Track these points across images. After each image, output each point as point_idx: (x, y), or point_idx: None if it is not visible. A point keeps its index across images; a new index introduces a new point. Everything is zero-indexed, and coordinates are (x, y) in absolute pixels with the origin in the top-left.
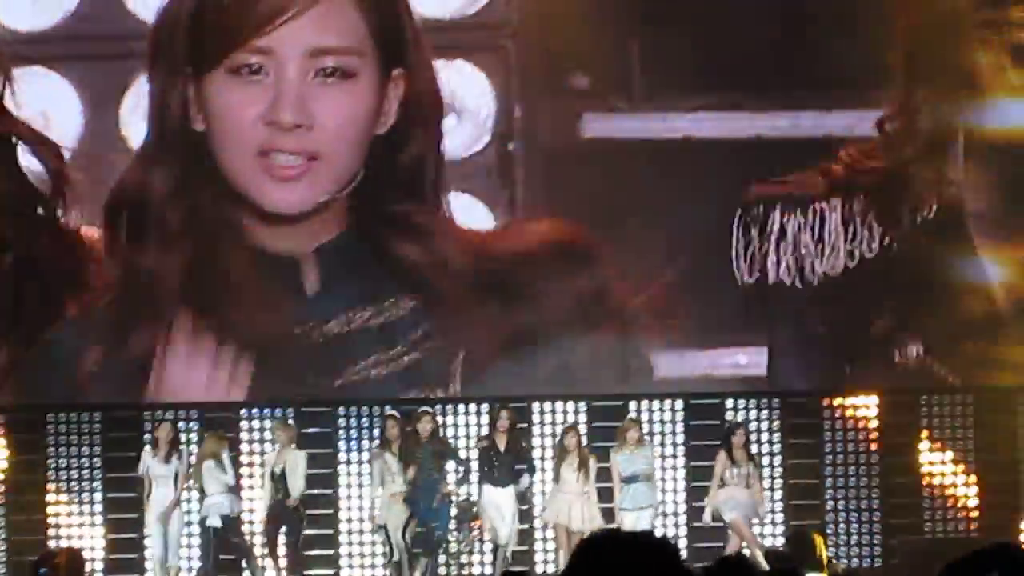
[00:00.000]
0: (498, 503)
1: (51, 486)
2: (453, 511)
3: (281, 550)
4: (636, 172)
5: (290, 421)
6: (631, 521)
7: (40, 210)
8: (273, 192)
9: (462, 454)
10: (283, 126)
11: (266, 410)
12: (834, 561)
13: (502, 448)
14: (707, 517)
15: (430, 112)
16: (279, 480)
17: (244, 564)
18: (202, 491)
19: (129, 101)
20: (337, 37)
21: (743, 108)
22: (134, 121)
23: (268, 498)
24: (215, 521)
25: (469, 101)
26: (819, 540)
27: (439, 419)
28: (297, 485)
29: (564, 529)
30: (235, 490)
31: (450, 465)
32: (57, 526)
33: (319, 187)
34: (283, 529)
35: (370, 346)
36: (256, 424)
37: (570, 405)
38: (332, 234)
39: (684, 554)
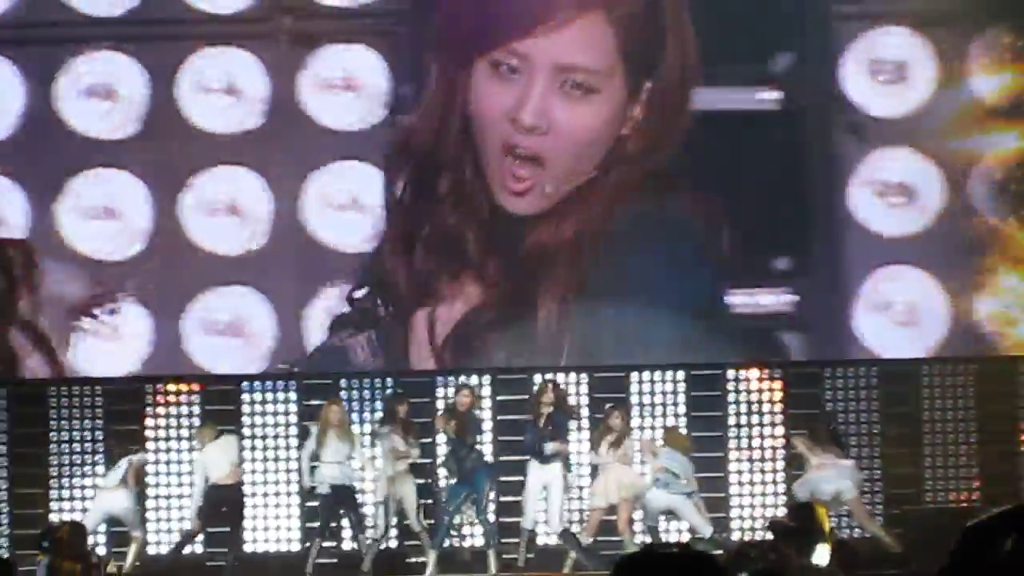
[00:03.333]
0: (544, 481)
1: (53, 459)
2: (488, 480)
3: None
4: None
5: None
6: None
7: None
8: (508, 199)
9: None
10: (522, 126)
11: (267, 383)
12: (835, 531)
13: (541, 424)
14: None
15: (672, 124)
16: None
17: (353, 531)
18: (316, 458)
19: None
20: (585, 56)
21: None
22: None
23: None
24: (325, 489)
25: (367, 80)
26: (822, 511)
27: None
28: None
29: (600, 508)
30: (350, 460)
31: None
32: (60, 499)
33: (544, 192)
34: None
35: None
36: (258, 396)
37: (572, 376)
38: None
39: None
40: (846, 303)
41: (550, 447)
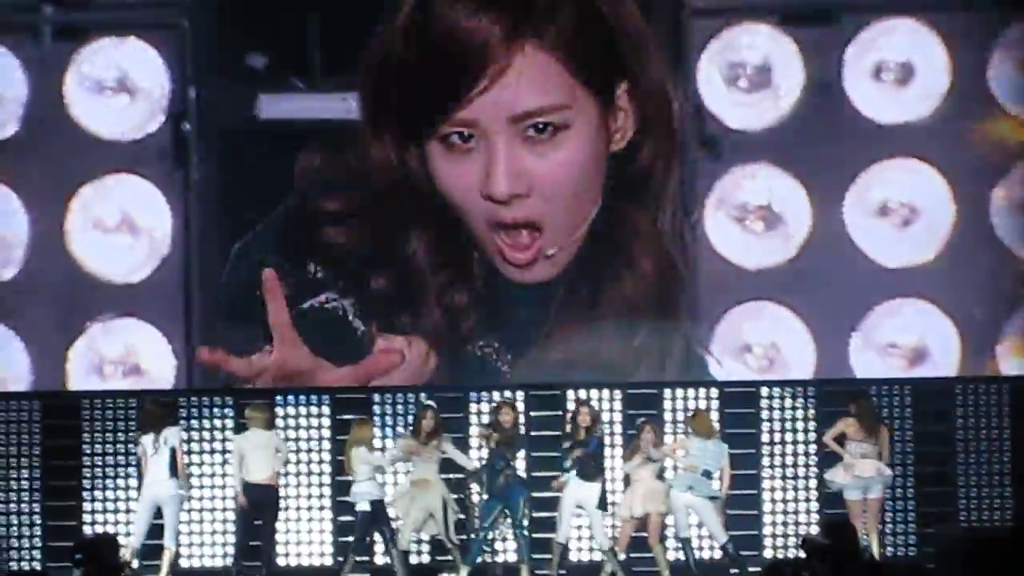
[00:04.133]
0: (582, 499)
1: (86, 471)
2: (523, 496)
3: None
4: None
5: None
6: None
7: None
8: (512, 271)
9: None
10: (498, 199)
11: (301, 396)
12: (869, 550)
13: (573, 444)
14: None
15: (658, 114)
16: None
17: (386, 546)
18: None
19: None
20: (539, 96)
21: None
22: None
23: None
24: (364, 506)
25: (143, 81)
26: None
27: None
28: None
29: (629, 519)
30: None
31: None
32: (92, 512)
33: (550, 257)
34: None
35: None
36: (291, 411)
37: (605, 392)
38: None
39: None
40: (701, 345)
41: (568, 462)
